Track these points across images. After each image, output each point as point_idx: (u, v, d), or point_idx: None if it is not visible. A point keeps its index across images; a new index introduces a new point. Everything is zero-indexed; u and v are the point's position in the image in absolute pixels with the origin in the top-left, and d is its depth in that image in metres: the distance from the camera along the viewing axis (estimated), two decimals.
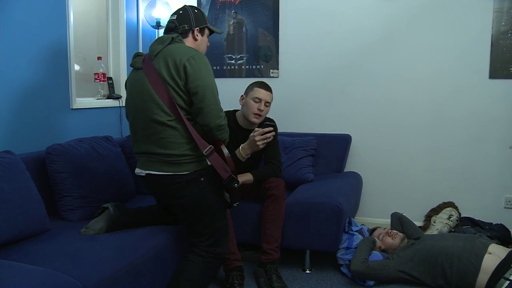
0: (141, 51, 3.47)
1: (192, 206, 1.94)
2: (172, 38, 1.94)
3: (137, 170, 2.02)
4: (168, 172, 1.90)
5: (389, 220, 2.91)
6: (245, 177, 2.51)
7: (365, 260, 2.35)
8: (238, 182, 1.93)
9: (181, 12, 2.06)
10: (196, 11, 2.08)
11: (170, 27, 2.05)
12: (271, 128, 2.33)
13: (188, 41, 2.05)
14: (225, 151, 1.95)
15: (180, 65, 1.84)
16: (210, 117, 1.88)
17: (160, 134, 1.89)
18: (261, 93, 2.54)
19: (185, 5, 2.10)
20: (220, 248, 2.01)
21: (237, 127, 2.63)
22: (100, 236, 1.95)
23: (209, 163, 1.92)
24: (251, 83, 2.63)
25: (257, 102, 2.53)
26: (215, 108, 1.89)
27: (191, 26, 2.04)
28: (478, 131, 3.14)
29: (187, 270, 1.94)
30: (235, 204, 2.07)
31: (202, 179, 1.94)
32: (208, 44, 2.18)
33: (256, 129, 2.34)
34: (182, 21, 2.04)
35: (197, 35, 2.07)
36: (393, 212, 2.94)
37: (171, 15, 2.09)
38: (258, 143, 2.32)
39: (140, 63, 1.97)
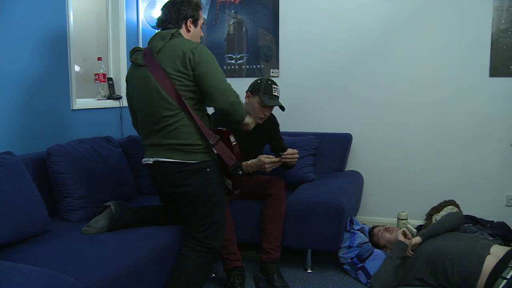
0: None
1: (195, 195, 1.97)
2: (172, 33, 1.98)
3: (144, 159, 2.05)
4: (177, 159, 1.94)
5: (390, 219, 2.90)
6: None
7: (392, 286, 2.28)
8: (242, 169, 2.01)
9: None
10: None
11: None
12: (280, 158, 2.48)
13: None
14: (233, 139, 2.03)
15: (185, 57, 1.89)
16: (221, 99, 1.92)
17: (171, 127, 1.94)
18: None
19: None
20: (215, 242, 2.03)
21: None
22: (101, 236, 1.95)
23: (215, 151, 1.97)
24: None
25: (262, 107, 2.54)
26: (223, 89, 1.92)
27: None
28: (479, 130, 3.13)
29: (183, 268, 1.96)
30: (236, 191, 2.13)
31: (208, 169, 1.98)
32: (202, 35, 2.18)
33: (270, 156, 2.49)
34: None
35: (190, 26, 2.08)
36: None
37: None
38: (267, 170, 2.47)
39: (142, 60, 1.99)
